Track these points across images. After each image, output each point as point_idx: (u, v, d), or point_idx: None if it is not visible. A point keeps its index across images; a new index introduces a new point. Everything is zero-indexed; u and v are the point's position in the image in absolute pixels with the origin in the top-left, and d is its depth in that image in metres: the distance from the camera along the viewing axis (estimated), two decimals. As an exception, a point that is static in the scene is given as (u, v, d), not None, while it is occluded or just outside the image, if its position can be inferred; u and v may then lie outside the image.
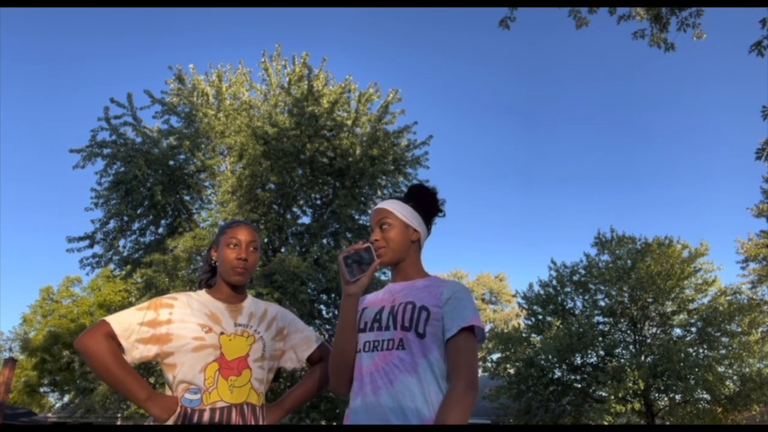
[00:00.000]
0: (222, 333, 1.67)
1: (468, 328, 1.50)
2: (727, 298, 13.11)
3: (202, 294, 1.77)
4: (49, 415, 18.79)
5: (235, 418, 1.60)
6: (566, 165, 54.79)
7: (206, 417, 1.56)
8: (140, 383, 1.57)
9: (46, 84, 43.97)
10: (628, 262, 13.50)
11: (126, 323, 1.61)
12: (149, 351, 1.61)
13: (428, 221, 1.78)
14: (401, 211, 1.71)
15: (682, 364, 11.61)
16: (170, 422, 1.55)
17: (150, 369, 8.85)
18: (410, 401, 1.43)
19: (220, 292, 1.78)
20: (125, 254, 9.58)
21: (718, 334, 12.59)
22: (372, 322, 1.62)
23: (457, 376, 1.43)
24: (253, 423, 1.65)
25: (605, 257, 14.20)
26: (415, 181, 10.14)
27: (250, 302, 1.82)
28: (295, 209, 10.37)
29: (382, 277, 9.49)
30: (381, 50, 52.92)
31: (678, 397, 12.64)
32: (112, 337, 1.58)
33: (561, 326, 13.25)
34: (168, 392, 1.62)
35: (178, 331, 1.62)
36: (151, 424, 1.58)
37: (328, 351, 1.93)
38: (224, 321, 1.70)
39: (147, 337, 1.61)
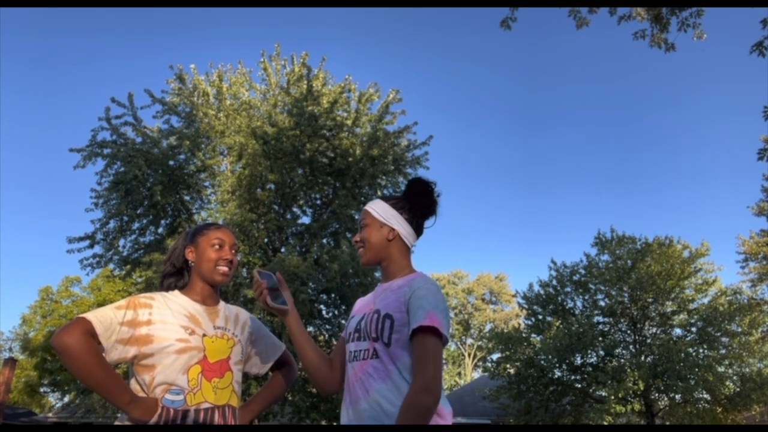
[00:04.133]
0: (204, 335, 1.67)
1: (427, 328, 1.44)
2: (728, 298, 13.11)
3: (178, 295, 1.75)
4: (50, 415, 18.79)
5: (217, 420, 1.61)
6: (566, 165, 54.82)
7: (191, 417, 1.56)
8: (122, 386, 1.52)
9: (47, 84, 43.98)
10: (628, 262, 13.50)
11: (107, 322, 1.53)
12: (128, 352, 1.56)
13: (417, 218, 1.71)
14: (377, 210, 1.70)
15: (682, 364, 11.61)
16: (152, 423, 1.53)
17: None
18: (386, 407, 1.45)
19: (196, 293, 1.76)
20: (125, 254, 9.57)
21: (718, 334, 12.59)
22: (353, 332, 1.65)
23: (413, 379, 1.43)
24: (232, 424, 1.67)
25: (605, 257, 14.20)
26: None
27: (223, 305, 1.83)
28: (295, 209, 10.36)
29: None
30: (381, 50, 52.96)
31: (678, 397, 12.64)
32: (92, 335, 1.50)
33: (561, 326, 13.24)
34: (141, 394, 1.58)
35: (160, 332, 1.59)
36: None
37: (289, 356, 1.98)
38: (204, 323, 1.70)
39: (126, 338, 1.56)
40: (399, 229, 1.68)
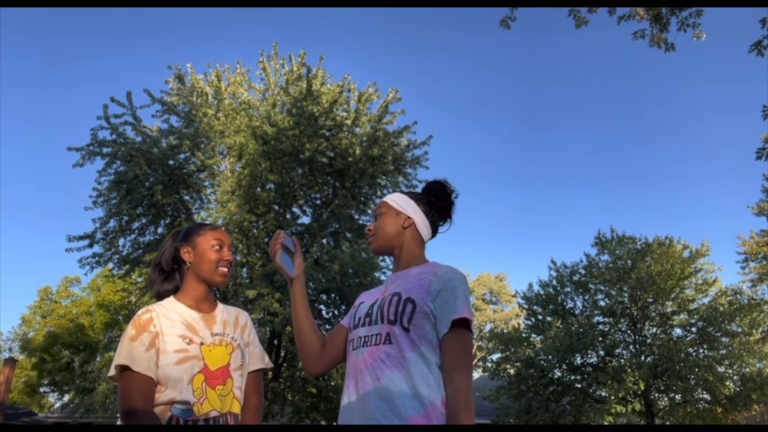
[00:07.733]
0: (202, 343, 1.66)
1: (461, 321, 1.44)
2: (728, 298, 13.10)
3: (174, 302, 1.73)
4: (50, 415, 18.79)
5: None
6: (566, 165, 54.77)
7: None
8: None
9: (45, 83, 43.96)
10: (629, 262, 13.49)
11: (144, 361, 1.55)
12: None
13: (433, 213, 1.72)
14: (394, 200, 1.73)
15: (682, 364, 11.60)
16: None
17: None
18: (397, 397, 1.39)
19: (191, 297, 1.74)
20: (125, 253, 9.55)
21: (719, 334, 12.58)
22: (365, 317, 1.59)
23: (460, 374, 1.39)
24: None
25: (605, 257, 14.19)
26: (414, 182, 10.13)
27: (221, 310, 1.81)
28: (294, 209, 10.34)
29: (382, 275, 9.48)
30: (379, 50, 52.91)
31: (678, 397, 12.64)
32: (143, 381, 1.53)
33: (561, 326, 13.23)
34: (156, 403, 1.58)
35: (163, 345, 1.60)
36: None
37: (259, 380, 1.86)
38: (201, 331, 1.69)
39: (155, 358, 1.60)
40: (415, 218, 1.69)
